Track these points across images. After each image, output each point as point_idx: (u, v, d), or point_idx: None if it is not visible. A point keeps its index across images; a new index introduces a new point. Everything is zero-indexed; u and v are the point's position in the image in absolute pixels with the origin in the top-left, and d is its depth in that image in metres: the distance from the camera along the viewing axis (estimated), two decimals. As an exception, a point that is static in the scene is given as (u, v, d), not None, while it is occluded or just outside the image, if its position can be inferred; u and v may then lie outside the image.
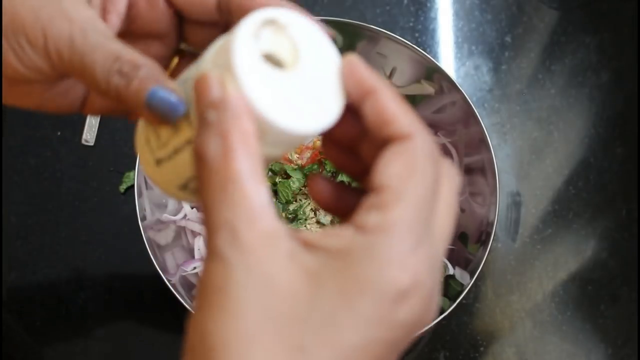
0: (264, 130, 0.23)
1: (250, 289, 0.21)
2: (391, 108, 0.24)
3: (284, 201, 0.63)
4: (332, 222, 0.64)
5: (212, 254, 0.22)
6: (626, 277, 0.73)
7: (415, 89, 0.69)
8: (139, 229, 0.59)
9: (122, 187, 0.73)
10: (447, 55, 0.81)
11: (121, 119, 0.75)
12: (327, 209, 0.28)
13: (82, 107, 0.32)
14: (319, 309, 0.21)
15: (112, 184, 0.73)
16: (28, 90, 0.30)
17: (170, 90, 0.25)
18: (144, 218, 0.60)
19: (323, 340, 0.20)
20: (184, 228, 0.67)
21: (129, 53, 0.26)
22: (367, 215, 0.22)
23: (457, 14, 0.83)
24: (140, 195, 0.60)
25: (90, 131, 0.74)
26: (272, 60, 0.25)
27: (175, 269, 0.63)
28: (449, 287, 0.63)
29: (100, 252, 0.71)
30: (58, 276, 0.70)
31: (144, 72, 0.26)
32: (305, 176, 0.65)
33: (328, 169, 0.64)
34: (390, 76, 0.69)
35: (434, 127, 0.70)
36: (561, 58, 0.81)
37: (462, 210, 0.69)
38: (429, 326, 0.58)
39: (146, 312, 0.69)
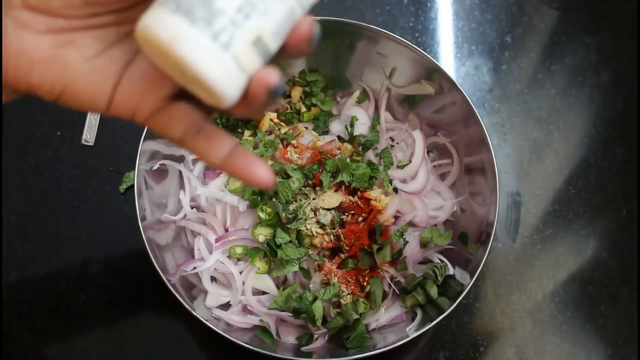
0: None
1: None
2: None
3: (284, 201, 0.63)
4: (332, 222, 0.64)
5: None
6: (626, 277, 0.73)
7: (415, 89, 0.69)
8: (139, 229, 0.59)
9: (122, 187, 0.73)
10: (447, 55, 0.81)
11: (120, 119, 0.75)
12: None
13: (110, 101, 0.31)
14: None
15: (112, 184, 0.73)
16: (69, 54, 0.29)
17: None
18: (144, 218, 0.60)
19: None
20: (183, 228, 0.67)
21: None
22: None
23: (457, 14, 0.83)
24: (140, 195, 0.60)
25: (90, 131, 0.74)
26: None
27: (175, 269, 0.63)
28: (449, 287, 0.63)
29: (100, 252, 0.71)
30: (58, 276, 0.70)
31: None
32: (305, 176, 0.65)
33: (328, 169, 0.64)
34: (390, 76, 0.69)
35: (434, 127, 0.70)
36: (561, 58, 0.81)
37: (462, 210, 0.69)
38: (431, 325, 0.58)
39: (146, 312, 0.69)
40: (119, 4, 0.30)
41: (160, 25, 0.27)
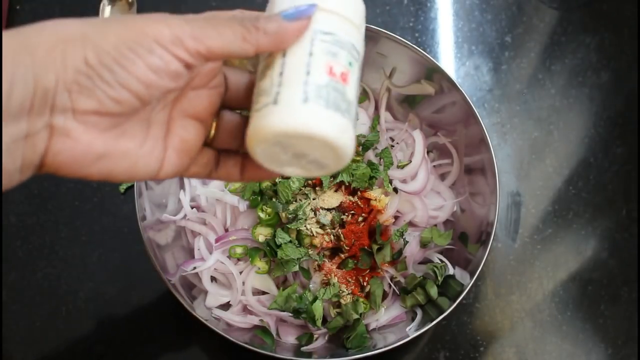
0: None
1: None
2: None
3: (284, 201, 0.63)
4: (332, 222, 0.64)
5: None
6: (626, 277, 0.73)
7: (415, 89, 0.69)
8: (139, 229, 0.59)
9: (122, 187, 0.73)
10: (447, 55, 0.81)
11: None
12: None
13: (158, 172, 0.35)
14: None
15: (112, 184, 0.73)
16: (125, 147, 0.32)
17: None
18: (144, 218, 0.60)
19: None
20: (183, 228, 0.67)
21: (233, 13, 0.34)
22: None
23: (457, 14, 0.83)
24: (140, 195, 0.60)
25: (90, 131, 0.74)
26: None
27: (175, 269, 0.63)
28: (449, 287, 0.63)
29: (100, 252, 0.71)
30: (58, 276, 0.70)
31: (257, 13, 0.33)
32: (305, 176, 0.65)
33: (328, 169, 0.64)
34: (390, 76, 0.69)
35: (434, 127, 0.70)
36: (561, 58, 0.81)
37: (462, 210, 0.69)
38: (431, 325, 0.58)
39: (146, 312, 0.69)
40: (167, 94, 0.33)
41: (322, 121, 0.31)
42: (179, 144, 0.35)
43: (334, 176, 0.65)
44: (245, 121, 0.38)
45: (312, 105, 0.31)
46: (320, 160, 0.33)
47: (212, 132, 0.38)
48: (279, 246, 0.62)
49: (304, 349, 0.62)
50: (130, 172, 0.33)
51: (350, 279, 0.64)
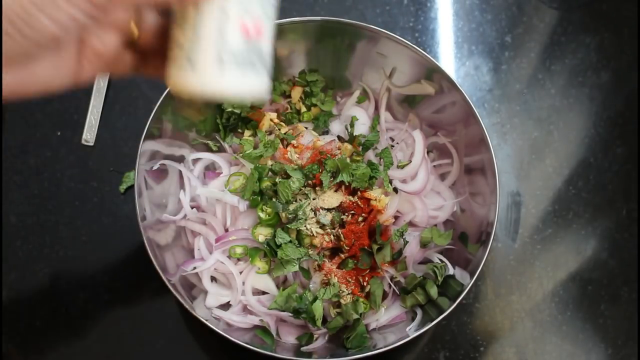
0: None
1: None
2: None
3: (284, 201, 0.63)
4: (332, 222, 0.64)
5: None
6: (626, 277, 0.73)
7: (415, 89, 0.69)
8: (139, 229, 0.59)
9: (122, 187, 0.73)
10: (447, 55, 0.81)
11: (122, 119, 0.75)
12: None
13: (75, 79, 0.36)
14: None
15: (112, 184, 0.73)
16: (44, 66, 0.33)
17: None
18: (144, 218, 0.60)
19: None
20: (183, 228, 0.67)
21: None
22: None
23: (457, 14, 0.83)
24: (140, 195, 0.60)
25: (90, 131, 0.74)
26: None
27: (175, 269, 0.63)
28: (449, 287, 0.63)
29: (100, 252, 0.71)
30: (58, 276, 0.70)
31: None
32: (305, 176, 0.65)
33: (328, 169, 0.64)
34: (390, 76, 0.69)
35: (434, 127, 0.70)
36: (561, 58, 0.81)
37: (462, 210, 0.69)
38: (431, 325, 0.58)
39: (146, 311, 0.69)
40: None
41: (235, 84, 0.32)
42: (92, 55, 0.36)
43: (334, 176, 0.65)
44: (168, 23, 0.38)
45: (226, 67, 0.31)
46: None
47: (135, 34, 0.39)
48: (279, 246, 0.62)
49: (304, 349, 0.62)
50: (44, 88, 0.35)
51: (350, 279, 0.64)
